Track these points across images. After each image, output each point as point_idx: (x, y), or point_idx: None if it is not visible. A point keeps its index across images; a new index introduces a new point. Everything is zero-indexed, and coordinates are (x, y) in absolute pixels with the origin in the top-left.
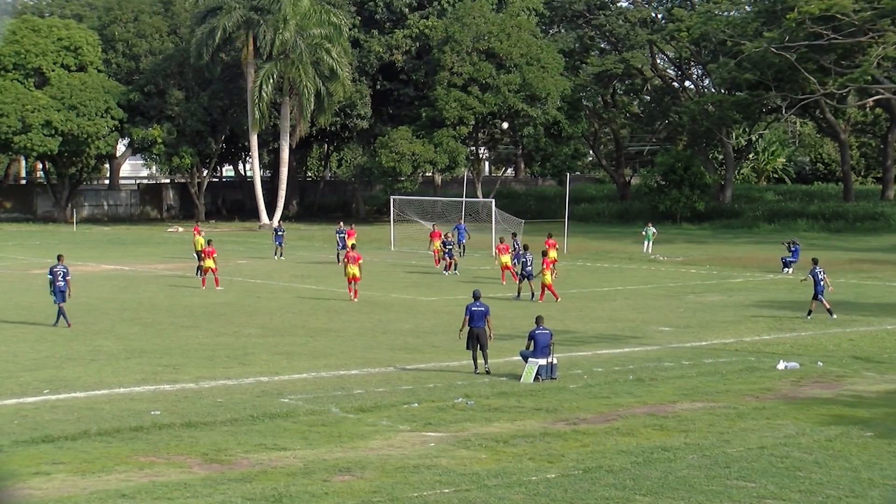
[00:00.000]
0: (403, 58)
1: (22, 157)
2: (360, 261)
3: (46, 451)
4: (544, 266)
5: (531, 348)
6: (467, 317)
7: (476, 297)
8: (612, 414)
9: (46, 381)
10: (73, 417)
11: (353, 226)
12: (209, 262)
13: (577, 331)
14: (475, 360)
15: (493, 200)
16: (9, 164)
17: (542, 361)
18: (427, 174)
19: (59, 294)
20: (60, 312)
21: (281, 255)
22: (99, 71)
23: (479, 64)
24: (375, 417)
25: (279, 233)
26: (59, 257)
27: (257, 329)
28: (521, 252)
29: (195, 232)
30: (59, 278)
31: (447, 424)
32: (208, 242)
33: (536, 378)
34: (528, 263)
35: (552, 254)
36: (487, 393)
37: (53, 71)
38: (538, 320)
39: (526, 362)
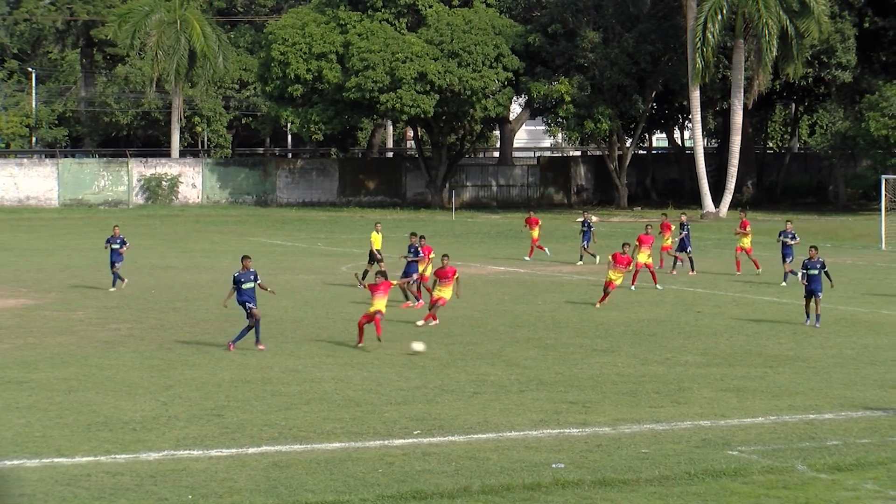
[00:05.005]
0: None
1: (389, 123)
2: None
3: None
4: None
5: None
6: None
7: None
8: None
9: (417, 420)
10: (450, 468)
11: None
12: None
13: None
14: None
15: None
16: (373, 131)
17: None
18: None
19: None
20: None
21: (587, 258)
22: (488, 6)
23: None
24: (857, 479)
25: (585, 227)
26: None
27: (697, 356)
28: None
29: (530, 225)
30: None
31: None
32: (420, 237)
33: None
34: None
35: (745, 241)
36: None
37: (431, 7)
38: None
39: None
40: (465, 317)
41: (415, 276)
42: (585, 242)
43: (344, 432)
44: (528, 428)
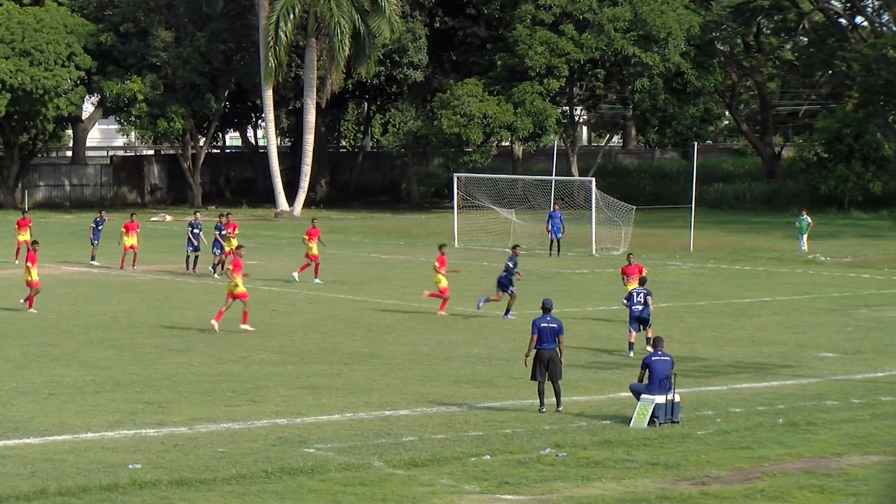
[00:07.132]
0: None
1: None
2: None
3: None
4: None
5: (645, 381)
6: (535, 335)
7: (546, 308)
8: (754, 471)
9: None
10: (25, 471)
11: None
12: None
13: (707, 357)
14: (542, 394)
15: (594, 179)
16: None
17: (660, 399)
18: (504, 144)
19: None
20: None
21: (194, 266)
22: (60, 4)
23: None
24: (433, 474)
25: (196, 230)
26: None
27: (272, 354)
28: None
29: (127, 230)
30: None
31: (530, 484)
32: (33, 244)
33: (652, 421)
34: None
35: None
36: (585, 441)
37: (1, 5)
38: (656, 342)
39: (638, 400)
40: (39, 318)
41: None
42: (96, 241)
43: None
44: (105, 429)
